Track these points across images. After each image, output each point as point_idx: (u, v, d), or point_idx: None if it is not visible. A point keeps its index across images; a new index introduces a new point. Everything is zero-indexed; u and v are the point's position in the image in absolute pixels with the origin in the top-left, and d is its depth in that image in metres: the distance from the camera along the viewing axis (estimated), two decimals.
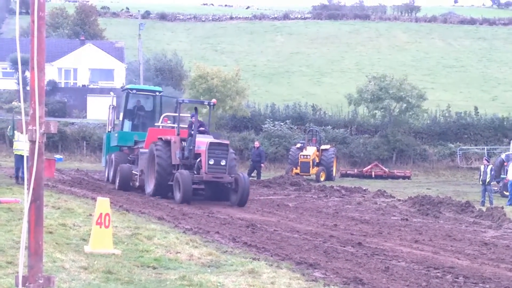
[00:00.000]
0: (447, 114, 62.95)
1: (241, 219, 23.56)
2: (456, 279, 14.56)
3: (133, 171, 31.81)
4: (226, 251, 16.07)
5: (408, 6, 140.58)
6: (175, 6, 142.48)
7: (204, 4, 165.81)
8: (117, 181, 31.29)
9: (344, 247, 18.45)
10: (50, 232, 15.46)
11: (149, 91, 35.37)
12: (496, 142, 55.31)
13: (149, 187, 28.19)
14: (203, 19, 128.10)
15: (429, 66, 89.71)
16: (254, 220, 23.15)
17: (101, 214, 14.79)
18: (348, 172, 53.60)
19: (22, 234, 4.25)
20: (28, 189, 4.26)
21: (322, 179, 46.30)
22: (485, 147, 55.89)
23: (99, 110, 71.44)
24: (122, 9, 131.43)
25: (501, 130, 59.06)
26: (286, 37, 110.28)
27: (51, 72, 75.78)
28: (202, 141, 27.08)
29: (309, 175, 46.90)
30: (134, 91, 34.81)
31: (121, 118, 33.04)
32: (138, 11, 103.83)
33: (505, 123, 60.12)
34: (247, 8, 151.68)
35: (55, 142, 52.67)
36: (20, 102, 4.28)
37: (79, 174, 40.83)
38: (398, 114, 57.92)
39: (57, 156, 49.75)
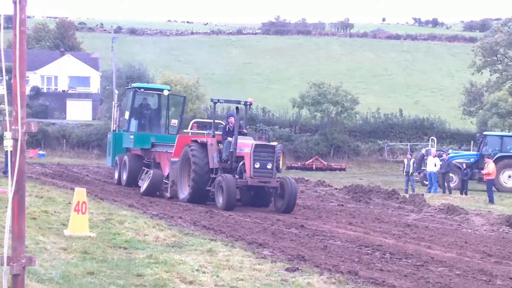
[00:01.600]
0: (376, 116, 64.24)
1: (201, 206, 23.07)
2: (383, 255, 14.82)
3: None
4: (188, 233, 16.13)
5: (343, 24, 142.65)
6: (143, 22, 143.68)
7: (168, 21, 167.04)
8: (145, 186, 25.90)
9: (289, 229, 18.60)
10: (34, 218, 15.41)
11: (156, 89, 30.95)
12: (417, 139, 56.03)
13: (183, 193, 23.19)
14: (167, 34, 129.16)
15: (361, 75, 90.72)
16: (212, 206, 22.82)
17: (78, 202, 14.72)
18: (293, 165, 54.34)
19: (6, 219, 4.22)
20: (12, 178, 4.25)
21: None
22: (408, 143, 56.66)
23: (77, 112, 72.00)
24: (97, 25, 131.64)
25: (422, 129, 60.34)
26: (240, 49, 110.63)
27: (35, 79, 77.54)
28: (246, 143, 22.64)
29: None
30: (142, 90, 30.00)
31: (126, 116, 29.02)
32: (111, 26, 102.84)
33: (425, 123, 61.76)
34: (205, 24, 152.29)
35: (38, 140, 52.12)
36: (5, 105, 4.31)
37: (59, 167, 40.32)
38: (334, 115, 58.61)
39: (40, 152, 48.97)
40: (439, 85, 74.92)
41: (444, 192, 33.89)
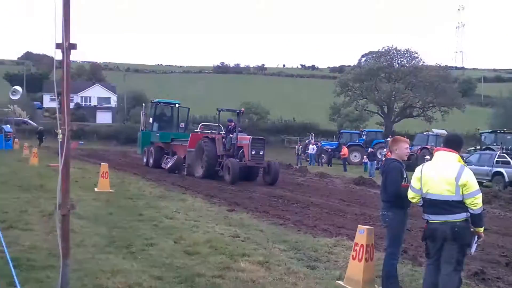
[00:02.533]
0: (280, 121, 63.74)
1: (176, 173, 23.34)
2: (284, 202, 15.46)
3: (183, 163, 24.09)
4: (169, 189, 16.63)
5: (260, 67, 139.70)
6: (143, 65, 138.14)
7: (158, 64, 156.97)
8: (169, 165, 23.75)
9: (228, 187, 18.64)
10: (76, 181, 15.49)
11: (170, 103, 28.72)
12: (304, 134, 55.96)
13: (198, 172, 21.57)
14: (158, 72, 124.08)
15: (272, 97, 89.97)
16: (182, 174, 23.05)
17: (103, 171, 15.20)
18: None
19: (58, 182, 4.33)
20: (61, 157, 4.35)
21: None
22: (298, 137, 56.80)
23: (103, 119, 78.45)
24: (116, 66, 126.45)
25: (306, 129, 60.77)
26: (201, 82, 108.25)
27: (76, 99, 79.40)
28: (245, 137, 21.56)
29: None
30: (161, 104, 28.42)
31: (150, 121, 27.14)
32: (122, 68, 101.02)
33: (308, 125, 61.74)
34: (180, 67, 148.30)
35: (78, 134, 51.55)
36: (58, 114, 4.46)
37: (92, 151, 39.77)
38: (255, 120, 58.62)
39: (81, 142, 48.19)
40: (316, 102, 75.01)
41: (318, 165, 34.94)
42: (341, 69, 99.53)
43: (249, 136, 21.74)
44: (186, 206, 12.58)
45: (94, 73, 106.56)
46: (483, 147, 31.23)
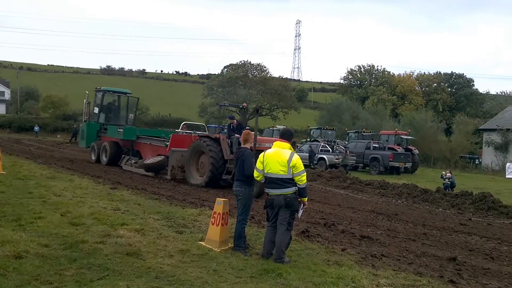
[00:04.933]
0: (158, 116, 61.76)
1: (67, 158, 20.96)
2: (159, 181, 14.73)
3: (132, 161, 17.74)
4: (58, 171, 15.02)
5: (141, 72, 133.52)
6: (37, 65, 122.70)
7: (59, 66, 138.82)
8: (149, 162, 16.01)
9: (113, 169, 17.33)
10: None
11: (120, 92, 21.48)
12: (175, 128, 54.41)
13: (195, 180, 14.05)
14: (53, 71, 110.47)
15: (154, 97, 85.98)
16: (74, 158, 20.70)
17: None
18: None
19: None
20: None
21: None
22: (169, 129, 55.15)
23: None
24: (10, 64, 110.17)
25: (178, 123, 58.40)
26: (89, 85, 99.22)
27: None
28: (266, 139, 14.10)
29: None
30: (110, 92, 21.06)
31: (96, 111, 20.40)
32: (16, 66, 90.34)
33: (182, 120, 59.45)
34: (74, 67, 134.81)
35: None
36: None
37: None
38: (137, 115, 55.85)
39: None
40: (188, 102, 73.87)
41: None
42: (208, 76, 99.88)
43: (273, 138, 14.41)
44: (73, 185, 11.70)
45: None
46: (312, 139, 32.71)
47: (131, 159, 18.00)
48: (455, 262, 6.92)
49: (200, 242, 6.61)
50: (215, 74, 75.38)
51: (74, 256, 5.52)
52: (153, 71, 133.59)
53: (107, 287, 4.66)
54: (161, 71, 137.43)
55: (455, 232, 9.66)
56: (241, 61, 61.40)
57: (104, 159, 18.94)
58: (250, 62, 61.16)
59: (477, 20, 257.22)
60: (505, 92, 70.70)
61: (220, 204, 6.57)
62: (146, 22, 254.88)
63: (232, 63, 63.41)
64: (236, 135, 13.55)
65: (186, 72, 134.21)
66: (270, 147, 10.93)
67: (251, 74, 61.46)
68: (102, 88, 21.35)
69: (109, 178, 14.14)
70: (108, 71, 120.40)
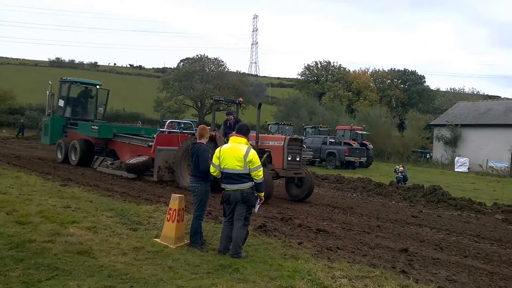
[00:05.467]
0: (113, 110, 59.50)
1: (13, 154, 19.81)
2: (113, 177, 14.45)
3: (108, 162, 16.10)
4: (4, 168, 14.25)
5: (93, 64, 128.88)
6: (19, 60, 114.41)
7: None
8: (133, 162, 14.43)
9: (64, 165, 16.80)
10: None
11: (88, 84, 19.19)
12: (133, 122, 52.91)
13: (185, 181, 12.29)
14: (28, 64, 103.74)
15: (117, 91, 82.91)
16: (21, 154, 19.44)
17: None
18: None
19: None
20: None
21: None
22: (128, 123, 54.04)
23: None
24: None
25: (135, 118, 57.06)
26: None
27: None
28: (275, 137, 12.70)
29: None
30: (78, 83, 18.81)
31: (61, 104, 18.26)
32: None
33: (136, 115, 58.00)
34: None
35: None
36: None
37: None
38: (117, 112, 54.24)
39: None
40: (142, 96, 71.79)
41: None
42: (163, 70, 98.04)
43: (283, 136, 12.88)
44: (20, 182, 11.20)
45: None
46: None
47: (105, 159, 16.37)
48: (406, 253, 7.18)
49: (155, 239, 6.53)
50: (171, 68, 74.29)
51: (20, 256, 5.34)
52: (106, 63, 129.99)
53: (56, 287, 4.53)
54: (114, 64, 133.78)
55: (407, 224, 9.98)
56: (197, 55, 60.93)
57: (73, 158, 16.96)
58: (207, 56, 60.84)
59: (425, 18, 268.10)
60: (455, 89, 74.40)
61: (175, 200, 6.50)
62: (98, 13, 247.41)
63: (188, 57, 62.88)
64: (233, 132, 10.66)
65: (140, 66, 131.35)
66: (275, 145, 11.92)
67: (208, 69, 60.99)
68: (68, 78, 19.21)
69: (59, 175, 13.65)
70: (57, 63, 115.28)
